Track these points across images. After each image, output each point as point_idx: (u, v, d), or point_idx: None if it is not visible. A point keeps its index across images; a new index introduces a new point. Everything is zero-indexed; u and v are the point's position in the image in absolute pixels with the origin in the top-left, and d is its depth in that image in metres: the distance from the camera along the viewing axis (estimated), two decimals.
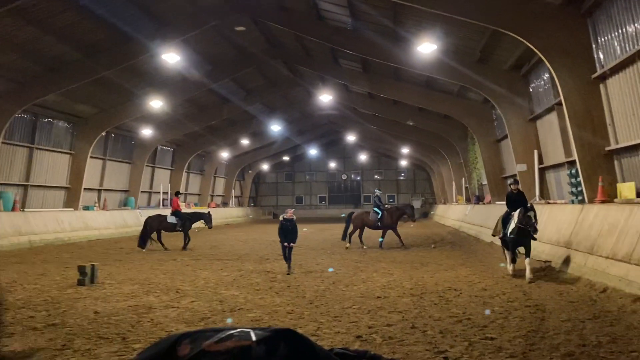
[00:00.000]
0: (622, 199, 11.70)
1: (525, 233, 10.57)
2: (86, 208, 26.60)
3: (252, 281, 10.94)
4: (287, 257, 12.17)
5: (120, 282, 10.90)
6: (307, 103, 37.91)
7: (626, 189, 11.80)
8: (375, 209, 18.68)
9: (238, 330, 2.34)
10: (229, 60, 26.42)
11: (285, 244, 12.15)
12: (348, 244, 18.14)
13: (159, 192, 35.96)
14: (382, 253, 16.50)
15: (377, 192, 19.70)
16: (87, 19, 17.90)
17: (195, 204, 41.87)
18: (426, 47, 17.44)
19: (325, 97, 30.89)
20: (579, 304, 8.01)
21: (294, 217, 12.45)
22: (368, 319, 7.35)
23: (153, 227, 18.66)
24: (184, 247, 18.31)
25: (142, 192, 33.68)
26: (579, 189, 13.86)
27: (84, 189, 26.73)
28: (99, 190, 30.04)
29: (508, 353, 5.53)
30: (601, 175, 12.55)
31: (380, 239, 18.48)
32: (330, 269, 8.94)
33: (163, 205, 35.54)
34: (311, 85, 32.95)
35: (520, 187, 11.69)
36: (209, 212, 20.42)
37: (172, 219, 18.85)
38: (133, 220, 28.75)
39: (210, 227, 20.08)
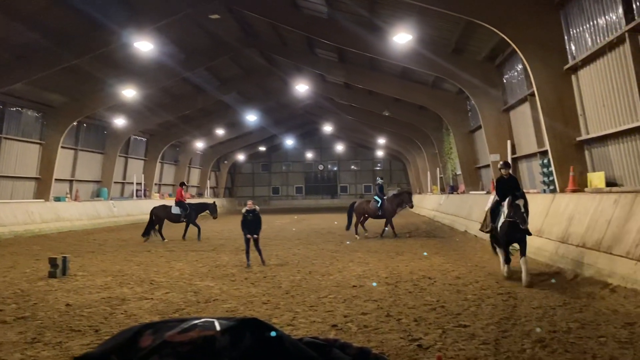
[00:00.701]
0: (592, 188, 11.96)
1: (517, 227, 8.92)
2: (57, 199, 26.09)
3: (227, 272, 10.87)
4: (252, 250, 11.75)
5: (93, 274, 10.73)
6: (283, 93, 37.71)
7: (596, 179, 12.06)
8: (376, 197, 18.88)
9: (202, 320, 2.30)
10: (204, 49, 26.09)
11: (249, 236, 11.79)
12: (357, 236, 18.08)
13: (132, 183, 35.45)
14: (359, 243, 16.57)
15: (379, 181, 19.85)
16: (56, 5, 17.44)
17: (170, 195, 41.40)
18: (402, 38, 17.49)
19: (302, 87, 30.79)
20: (549, 291, 8.16)
21: (256, 208, 12.13)
22: (344, 308, 7.37)
23: (159, 217, 18.54)
24: (184, 237, 18.34)
25: (115, 182, 33.19)
26: (551, 178, 14.12)
27: (55, 179, 26.21)
28: (71, 181, 29.50)
29: (481, 340, 5.61)
30: (572, 165, 12.80)
31: (400, 235, 18.46)
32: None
33: (137, 196, 35.07)
34: (287, 74, 32.78)
35: (511, 171, 10.14)
36: (214, 202, 20.60)
37: (176, 210, 18.81)
38: (106, 211, 28.31)
39: (215, 217, 20.26)
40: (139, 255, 14.13)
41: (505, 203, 9.25)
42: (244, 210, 12.10)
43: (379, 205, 18.55)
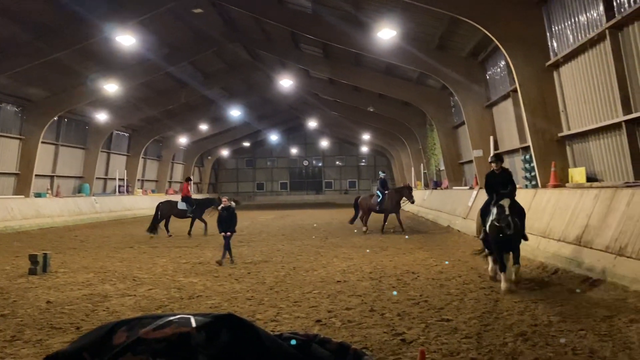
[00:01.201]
0: (573, 183, 12.11)
1: (504, 233, 7.79)
2: (38, 195, 25.71)
3: (210, 268, 10.82)
4: (235, 246, 11.70)
5: (75, 271, 10.60)
6: (267, 88, 37.51)
7: (577, 174, 12.21)
8: (377, 192, 19.03)
9: (178, 316, 2.27)
10: (187, 44, 25.83)
11: (222, 233, 11.71)
12: (365, 228, 18.33)
13: (114, 179, 35.06)
14: (343, 238, 16.60)
15: (381, 175, 20.02)
16: None
17: (153, 191, 41.06)
18: (386, 33, 17.50)
19: (286, 82, 30.64)
20: (531, 285, 8.26)
21: (232, 204, 12.06)
22: (328, 303, 7.38)
23: (165, 212, 18.39)
24: (189, 233, 18.22)
25: (97, 178, 32.77)
26: (533, 173, 14.28)
27: (36, 175, 25.80)
28: (52, 177, 29.08)
29: (463, 334, 5.65)
30: (554, 161, 12.94)
31: (385, 230, 18.56)
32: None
33: (119, 192, 34.71)
34: (272, 70, 32.61)
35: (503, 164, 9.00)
36: (218, 196, 20.70)
37: (182, 205, 18.78)
38: (88, 207, 27.98)
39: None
40: (122, 251, 14.00)
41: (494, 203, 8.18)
42: (219, 208, 12.07)
43: (379, 200, 18.71)
